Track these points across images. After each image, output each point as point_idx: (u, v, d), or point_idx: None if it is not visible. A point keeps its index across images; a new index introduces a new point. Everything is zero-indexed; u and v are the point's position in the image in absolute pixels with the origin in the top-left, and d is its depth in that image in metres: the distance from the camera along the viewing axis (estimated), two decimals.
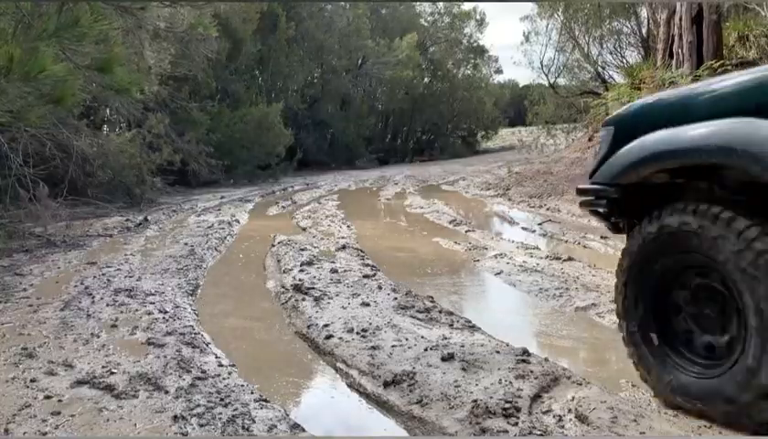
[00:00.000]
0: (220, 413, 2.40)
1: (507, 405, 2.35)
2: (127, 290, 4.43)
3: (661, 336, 2.41)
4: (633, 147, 2.49)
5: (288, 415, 2.44)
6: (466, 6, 29.13)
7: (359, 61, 22.47)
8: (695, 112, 2.34)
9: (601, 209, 2.70)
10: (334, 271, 4.92)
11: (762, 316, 2.01)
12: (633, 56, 15.11)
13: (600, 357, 3.26)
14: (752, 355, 2.05)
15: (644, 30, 14.41)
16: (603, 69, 16.12)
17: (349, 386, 2.89)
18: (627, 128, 2.58)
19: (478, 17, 28.67)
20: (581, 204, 2.84)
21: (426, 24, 27.86)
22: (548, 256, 5.52)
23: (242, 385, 2.71)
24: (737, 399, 2.08)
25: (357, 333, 3.37)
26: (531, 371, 2.66)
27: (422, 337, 3.26)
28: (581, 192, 2.82)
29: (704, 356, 2.29)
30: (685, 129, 2.31)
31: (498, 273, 5.05)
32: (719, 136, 2.18)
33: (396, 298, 4.06)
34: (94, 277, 4.89)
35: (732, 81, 2.36)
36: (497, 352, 2.96)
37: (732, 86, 2.32)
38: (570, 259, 5.29)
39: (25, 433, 2.28)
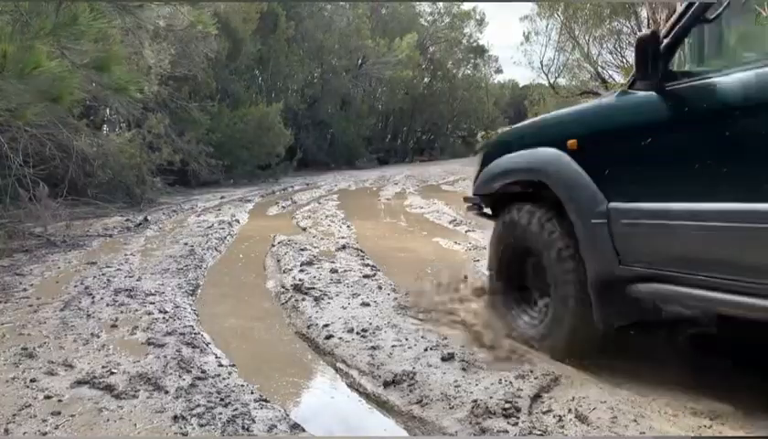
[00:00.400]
0: (220, 413, 2.40)
1: (507, 405, 2.35)
2: (127, 290, 4.43)
3: (514, 295, 3.24)
4: (488, 169, 3.38)
5: (288, 415, 2.44)
6: (466, 6, 29.11)
7: (359, 61, 22.44)
8: (525, 141, 3.14)
9: (488, 211, 3.57)
10: (334, 271, 4.91)
11: (553, 292, 2.86)
12: (633, 56, 15.12)
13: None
14: (548, 317, 2.91)
15: (644, 30, 14.44)
16: (603, 68, 16.14)
17: (349, 386, 2.88)
18: (489, 153, 3.44)
19: (478, 17, 28.71)
20: (468, 209, 3.71)
21: (426, 24, 27.85)
22: None
23: (242, 385, 2.71)
24: (541, 344, 2.91)
25: (357, 333, 3.37)
26: (531, 371, 2.65)
27: (422, 336, 3.26)
28: (465, 200, 3.73)
29: (535, 310, 3.10)
30: (515, 154, 3.14)
31: None
32: (528, 161, 3.03)
33: (396, 298, 4.06)
34: (94, 277, 4.89)
35: (543, 120, 3.38)
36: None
37: (541, 124, 3.29)
38: None
39: (25, 433, 2.27)
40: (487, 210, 3.56)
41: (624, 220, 2.50)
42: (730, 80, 2.18)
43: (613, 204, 2.54)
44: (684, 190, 2.30)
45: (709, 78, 2.27)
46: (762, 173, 2.01)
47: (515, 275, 3.24)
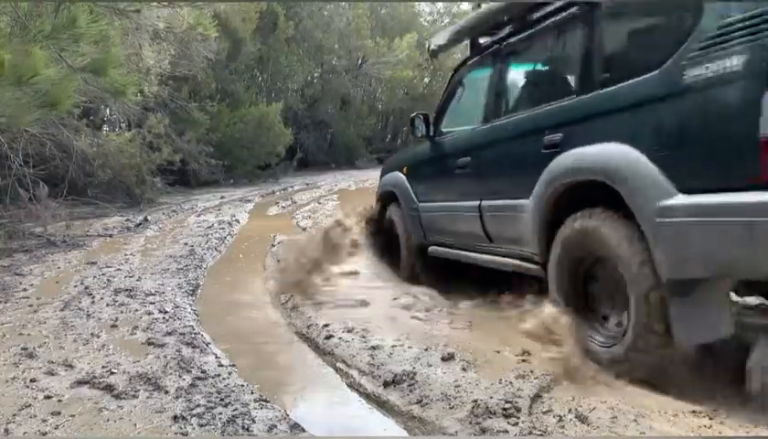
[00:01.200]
0: (220, 413, 2.40)
1: (508, 405, 2.34)
2: (127, 290, 4.43)
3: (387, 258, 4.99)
4: (379, 183, 5.25)
5: (288, 415, 2.44)
6: (466, 6, 29.05)
7: (359, 61, 22.39)
8: (391, 168, 5.10)
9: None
10: None
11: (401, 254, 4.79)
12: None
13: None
14: (401, 267, 4.80)
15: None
16: None
17: (349, 386, 2.88)
18: (382, 174, 5.29)
19: None
20: (376, 207, 5.28)
21: (426, 24, 27.81)
22: None
23: (242, 385, 2.71)
24: (403, 278, 4.66)
25: (357, 333, 3.37)
26: (531, 371, 2.65)
27: (424, 337, 3.25)
28: (375, 203, 5.34)
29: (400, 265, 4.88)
30: (387, 176, 5.06)
31: None
32: (388, 180, 4.99)
33: (396, 298, 4.06)
34: (94, 277, 4.89)
35: (399, 154, 5.94)
36: (497, 352, 2.96)
37: (397, 157, 5.47)
38: None
39: (25, 433, 2.27)
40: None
41: (423, 213, 4.41)
42: (451, 136, 4.18)
43: (420, 203, 4.46)
44: (437, 194, 4.26)
45: (447, 135, 4.22)
46: (462, 186, 3.86)
47: (390, 246, 4.92)
